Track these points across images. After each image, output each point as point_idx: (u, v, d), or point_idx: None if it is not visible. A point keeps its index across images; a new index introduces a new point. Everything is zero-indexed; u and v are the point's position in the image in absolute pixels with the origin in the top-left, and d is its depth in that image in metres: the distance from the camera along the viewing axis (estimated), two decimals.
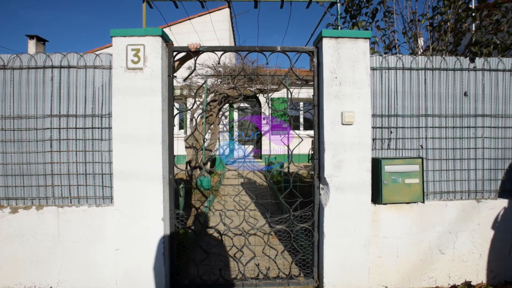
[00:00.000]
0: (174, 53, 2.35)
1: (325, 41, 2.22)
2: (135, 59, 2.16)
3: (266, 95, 6.83)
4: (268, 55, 2.39)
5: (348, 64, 2.23)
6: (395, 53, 2.93)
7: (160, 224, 2.16)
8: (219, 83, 6.68)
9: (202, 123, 5.47)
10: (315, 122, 2.35)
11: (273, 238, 3.48)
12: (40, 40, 12.87)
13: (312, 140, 12.15)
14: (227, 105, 7.44)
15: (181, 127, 11.42)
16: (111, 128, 2.23)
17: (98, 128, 2.29)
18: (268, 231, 2.93)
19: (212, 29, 11.45)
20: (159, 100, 2.16)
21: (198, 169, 5.72)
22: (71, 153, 2.28)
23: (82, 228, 2.20)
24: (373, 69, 2.38)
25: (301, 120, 12.01)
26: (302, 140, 2.35)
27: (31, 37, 12.57)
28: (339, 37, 2.23)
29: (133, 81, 2.15)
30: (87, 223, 2.21)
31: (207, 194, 5.30)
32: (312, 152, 11.37)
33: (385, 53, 2.43)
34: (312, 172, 2.38)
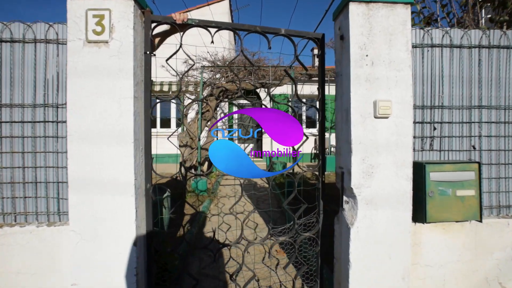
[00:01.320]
0: (153, 25, 1.79)
1: (353, 7, 1.67)
2: (98, 28, 1.60)
3: (268, 90, 6.27)
4: (271, 38, 1.90)
5: (382, 37, 1.68)
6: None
7: (132, 249, 1.62)
8: (216, 76, 6.12)
9: (197, 119, 4.92)
10: (319, 118, 2.00)
11: (278, 254, 2.94)
12: None
13: (315, 139, 11.62)
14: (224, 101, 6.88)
15: (178, 125, 10.87)
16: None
17: (53, 122, 1.74)
18: (270, 244, 2.40)
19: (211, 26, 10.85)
20: (131, 85, 1.61)
21: (192, 170, 5.17)
22: (16, 155, 1.73)
23: (29, 254, 1.66)
24: (412, 46, 1.83)
25: (304, 118, 11.49)
26: (308, 138, 1.90)
27: None
28: (370, 1, 1.68)
29: (95, 59, 1.60)
30: (35, 248, 1.66)
31: (203, 199, 4.76)
32: (315, 151, 10.88)
33: (421, 28, 1.87)
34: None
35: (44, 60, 1.73)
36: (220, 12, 12.19)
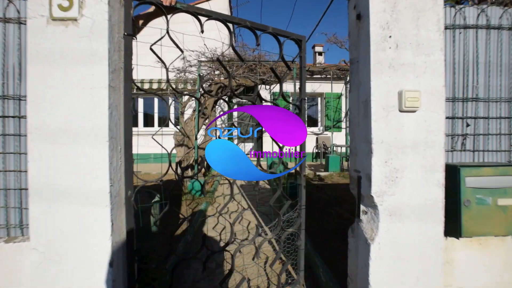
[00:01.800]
0: (135, 4, 1.51)
1: None
2: (65, 3, 1.32)
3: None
4: (259, 34, 1.85)
5: (409, 15, 1.40)
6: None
7: (108, 271, 1.34)
8: (215, 73, 5.83)
9: (194, 118, 4.64)
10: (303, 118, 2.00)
11: (279, 264, 2.67)
12: None
13: (316, 138, 11.34)
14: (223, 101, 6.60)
15: (176, 124, 10.58)
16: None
17: (13, 117, 1.47)
18: (258, 243, 2.18)
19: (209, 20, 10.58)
20: (105, 72, 1.33)
21: (189, 169, 4.90)
22: None
23: None
24: None
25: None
26: None
27: None
28: None
29: (61, 40, 1.31)
30: None
31: (200, 201, 4.48)
32: (317, 150, 10.61)
33: (452, 6, 1.58)
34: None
35: (2, 43, 1.45)
36: (219, 9, 11.86)
